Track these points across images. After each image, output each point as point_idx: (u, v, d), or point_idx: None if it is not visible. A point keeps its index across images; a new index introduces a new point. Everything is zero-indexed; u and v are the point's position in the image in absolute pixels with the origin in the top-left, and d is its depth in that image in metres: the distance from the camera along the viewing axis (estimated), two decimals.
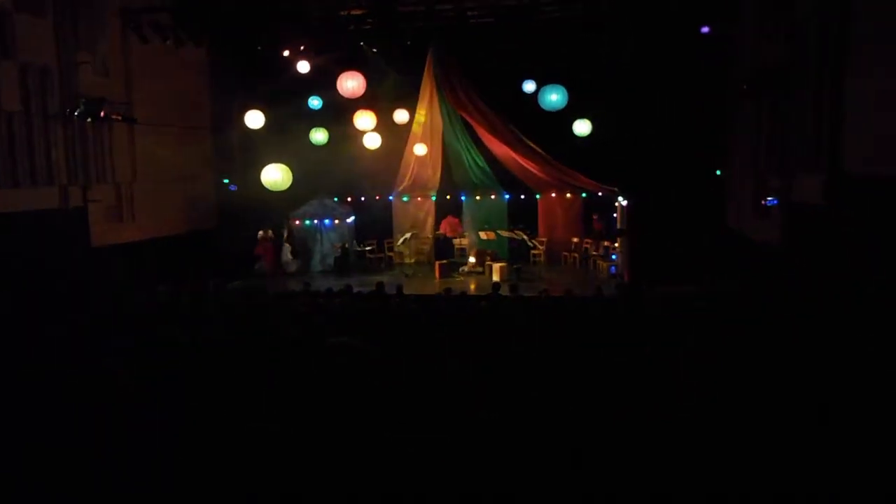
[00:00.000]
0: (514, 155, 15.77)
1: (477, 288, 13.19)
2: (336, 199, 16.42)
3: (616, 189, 14.70)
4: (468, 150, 16.55)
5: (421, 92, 15.80)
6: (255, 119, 13.46)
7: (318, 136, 14.73)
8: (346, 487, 3.00)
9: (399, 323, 7.08)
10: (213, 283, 11.09)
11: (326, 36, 14.21)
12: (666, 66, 13.31)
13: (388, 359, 4.60)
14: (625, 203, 14.01)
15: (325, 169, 15.34)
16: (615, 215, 15.05)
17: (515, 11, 13.63)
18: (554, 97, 12.77)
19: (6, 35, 9.67)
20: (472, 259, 15.49)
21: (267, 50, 14.34)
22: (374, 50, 14.83)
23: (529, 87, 13.84)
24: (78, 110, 10.76)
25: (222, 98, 15.21)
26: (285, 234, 15.81)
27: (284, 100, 14.41)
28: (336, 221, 15.99)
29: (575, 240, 16.03)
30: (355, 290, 10.13)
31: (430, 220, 16.78)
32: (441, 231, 16.48)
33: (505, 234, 15.91)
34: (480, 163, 16.58)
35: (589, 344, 5.48)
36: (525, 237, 15.73)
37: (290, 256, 15.66)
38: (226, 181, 15.79)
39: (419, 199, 16.67)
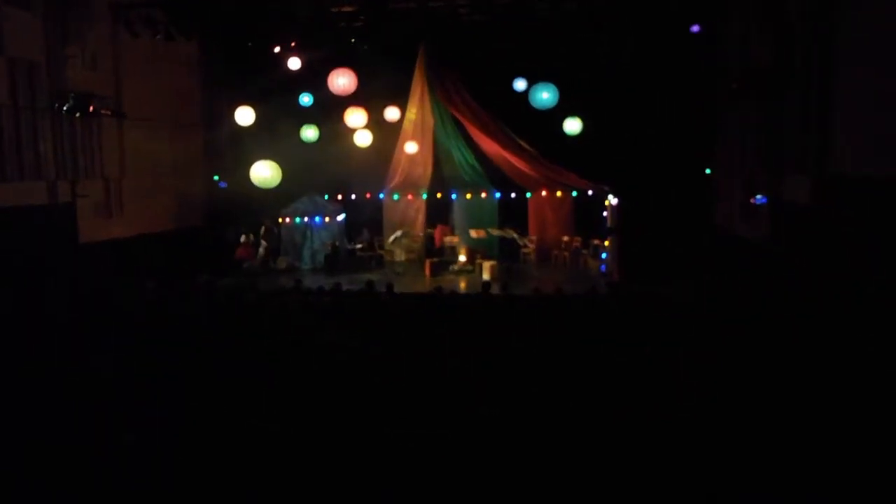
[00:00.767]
0: (504, 153, 15.80)
1: (467, 286, 13.20)
2: (326, 197, 16.36)
3: (606, 188, 14.76)
4: (459, 147, 16.55)
5: (412, 89, 15.76)
6: (245, 116, 13.35)
7: (309, 133, 14.67)
8: (346, 483, 3.00)
9: (392, 320, 7.08)
10: (204, 280, 11.03)
11: (317, 33, 14.16)
12: (656, 65, 13.39)
13: (386, 356, 4.61)
14: (615, 202, 14.08)
15: (316, 166, 15.28)
16: (605, 214, 15.11)
17: (507, 9, 13.65)
18: (545, 95, 12.77)
19: None
20: (462, 257, 15.50)
21: (258, 46, 14.26)
22: (366, 47, 14.79)
23: (520, 84, 13.86)
24: (66, 105, 10.66)
25: (213, 94, 15.11)
26: (262, 232, 15.71)
27: (275, 96, 14.35)
28: (326, 219, 15.93)
29: (565, 238, 16.09)
30: (345, 287, 10.11)
31: (421, 218, 16.72)
32: (435, 237, 16.51)
33: (495, 232, 15.93)
34: (471, 161, 16.57)
35: (585, 340, 5.51)
36: (515, 235, 15.77)
37: (262, 252, 15.53)
38: (216, 178, 15.70)
39: (410, 196, 16.64)
